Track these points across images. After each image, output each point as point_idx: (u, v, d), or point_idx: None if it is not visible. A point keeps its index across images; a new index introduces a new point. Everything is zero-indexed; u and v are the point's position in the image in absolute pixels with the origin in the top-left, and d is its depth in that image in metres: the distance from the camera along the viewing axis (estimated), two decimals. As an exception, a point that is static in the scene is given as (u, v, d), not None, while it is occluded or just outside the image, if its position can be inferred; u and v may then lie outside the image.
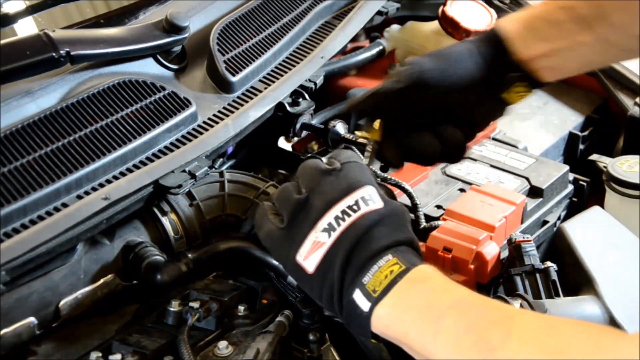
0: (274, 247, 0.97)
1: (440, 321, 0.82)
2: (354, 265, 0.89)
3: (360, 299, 0.87)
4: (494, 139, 1.55)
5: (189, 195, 1.23)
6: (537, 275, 1.23)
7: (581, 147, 1.67)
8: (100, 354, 1.01)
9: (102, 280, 1.11)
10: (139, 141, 1.16)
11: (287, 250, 0.93)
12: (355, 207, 0.91)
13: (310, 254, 0.91)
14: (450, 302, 0.84)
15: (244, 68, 1.36)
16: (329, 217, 0.91)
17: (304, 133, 1.44)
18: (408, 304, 0.85)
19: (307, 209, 0.93)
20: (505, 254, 1.29)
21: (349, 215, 0.91)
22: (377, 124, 1.11)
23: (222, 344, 1.03)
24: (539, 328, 0.77)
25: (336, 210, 0.91)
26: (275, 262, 1.13)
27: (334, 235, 0.90)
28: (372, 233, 0.90)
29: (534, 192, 1.40)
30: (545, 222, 1.40)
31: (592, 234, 1.32)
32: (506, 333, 0.77)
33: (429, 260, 1.27)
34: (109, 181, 1.11)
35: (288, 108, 1.37)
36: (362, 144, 1.40)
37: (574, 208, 1.47)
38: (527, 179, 1.41)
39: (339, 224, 0.90)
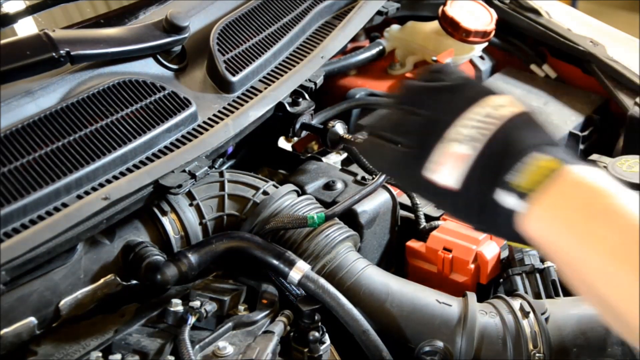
0: (402, 171, 0.88)
1: (596, 222, 0.75)
2: (497, 168, 0.80)
3: (507, 199, 0.79)
4: (494, 139, 1.55)
5: (189, 195, 1.23)
6: (537, 275, 1.24)
7: (581, 147, 1.67)
8: (100, 354, 1.01)
9: (102, 280, 1.11)
10: (139, 141, 1.16)
11: (419, 170, 0.84)
12: (494, 115, 0.83)
13: (448, 167, 0.82)
14: (606, 205, 0.76)
15: (244, 68, 1.36)
16: (462, 128, 0.83)
17: (304, 133, 1.44)
18: (564, 204, 0.77)
19: (434, 126, 0.84)
20: (505, 254, 1.29)
21: (491, 124, 0.82)
22: None
23: (222, 344, 1.03)
24: None
25: (466, 118, 0.83)
26: (275, 262, 1.13)
27: (473, 144, 0.82)
28: (514, 136, 0.81)
29: (534, 192, 1.39)
30: (545, 222, 1.40)
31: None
32: None
33: (428, 260, 1.29)
34: (109, 181, 1.11)
35: (288, 108, 1.37)
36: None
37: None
38: (527, 179, 1.41)
39: (475, 134, 0.82)
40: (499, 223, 0.81)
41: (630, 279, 0.73)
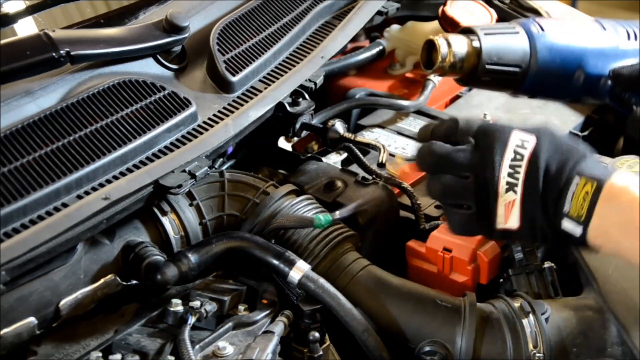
0: (473, 230, 1.06)
1: None
2: (551, 203, 0.98)
3: (571, 227, 0.97)
4: (494, 139, 1.55)
5: (189, 195, 1.23)
6: (537, 275, 1.23)
7: (581, 147, 1.66)
8: (100, 354, 1.01)
9: (102, 280, 1.11)
10: (139, 141, 1.16)
11: (487, 225, 1.02)
12: (518, 157, 0.99)
13: (509, 215, 1.00)
14: None
15: (244, 68, 1.36)
16: (503, 179, 1.00)
17: (304, 133, 1.44)
18: (613, 221, 0.94)
19: (482, 186, 1.01)
20: (505, 254, 1.29)
21: (519, 167, 0.99)
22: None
23: (222, 344, 1.03)
24: None
25: (505, 168, 0.99)
26: (275, 262, 1.13)
27: (519, 189, 0.99)
28: (548, 168, 0.98)
29: (534, 192, 1.39)
30: (545, 222, 1.39)
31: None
32: None
33: (428, 260, 1.28)
34: (109, 181, 1.11)
35: (288, 108, 1.37)
36: (361, 142, 1.40)
37: (574, 208, 1.46)
38: (527, 179, 1.41)
39: (516, 179, 0.99)
40: (574, 245, 1.00)
41: None
